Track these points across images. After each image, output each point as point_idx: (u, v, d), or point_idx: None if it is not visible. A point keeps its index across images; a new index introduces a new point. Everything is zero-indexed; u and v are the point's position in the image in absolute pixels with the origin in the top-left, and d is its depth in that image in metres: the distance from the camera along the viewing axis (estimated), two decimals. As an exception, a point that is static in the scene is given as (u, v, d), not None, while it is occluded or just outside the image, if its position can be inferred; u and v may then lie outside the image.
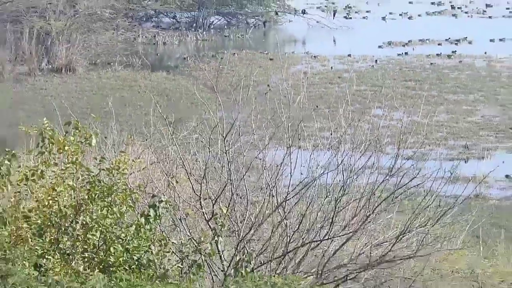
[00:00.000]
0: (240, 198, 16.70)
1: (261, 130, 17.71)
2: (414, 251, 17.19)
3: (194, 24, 46.74)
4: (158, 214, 14.36)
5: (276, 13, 49.11)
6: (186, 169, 16.90)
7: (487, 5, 52.30)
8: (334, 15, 50.11)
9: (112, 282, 13.02)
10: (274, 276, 14.75)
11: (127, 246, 13.97)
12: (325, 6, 50.98)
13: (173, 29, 46.59)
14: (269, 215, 16.73)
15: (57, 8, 41.55)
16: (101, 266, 13.87)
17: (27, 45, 40.64)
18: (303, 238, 16.84)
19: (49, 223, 14.21)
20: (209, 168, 16.80)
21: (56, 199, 14.24)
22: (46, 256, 13.53)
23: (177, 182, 16.74)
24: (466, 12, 51.12)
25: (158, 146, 18.07)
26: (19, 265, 12.44)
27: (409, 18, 50.05)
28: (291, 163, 17.31)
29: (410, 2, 52.79)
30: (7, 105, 34.87)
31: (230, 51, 44.12)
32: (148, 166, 16.84)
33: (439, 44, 44.64)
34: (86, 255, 14.13)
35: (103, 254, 14.14)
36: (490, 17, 50.41)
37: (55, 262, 13.39)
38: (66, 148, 14.43)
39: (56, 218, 14.25)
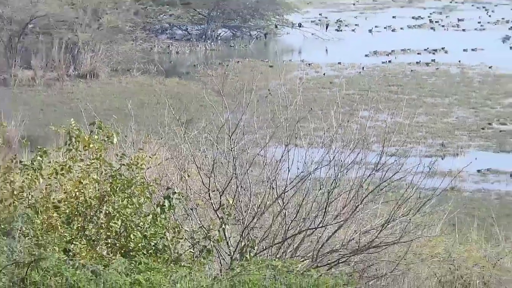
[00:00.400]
0: (244, 190, 16.73)
1: (263, 129, 17.72)
2: (397, 238, 17.19)
3: (204, 36, 46.55)
4: (172, 204, 14.48)
5: (276, 26, 48.99)
6: (196, 165, 16.90)
7: (459, 19, 52.09)
8: (326, 28, 50.05)
9: (132, 265, 13.00)
10: (274, 260, 14.74)
11: (145, 233, 14.00)
12: (319, 20, 50.78)
13: (185, 40, 46.27)
14: (270, 205, 16.74)
15: (83, 21, 41.36)
16: (122, 251, 13.83)
17: (56, 54, 40.48)
18: (300, 226, 16.89)
19: (76, 213, 14.25)
20: (216, 163, 16.79)
21: (82, 191, 14.27)
22: (74, 242, 13.51)
23: (188, 176, 16.75)
24: (442, 26, 50.93)
25: (172, 144, 18.04)
26: (50, 250, 12.41)
27: (393, 30, 49.82)
28: (289, 159, 17.35)
29: (393, 17, 52.58)
30: (38, 107, 34.85)
31: (234, 59, 44.24)
32: (163, 162, 16.81)
33: (418, 54, 44.53)
34: (109, 241, 14.17)
35: (124, 240, 14.16)
36: (463, 30, 50.14)
37: (81, 247, 13.38)
38: (91, 145, 14.52)
39: (82, 208, 14.29)
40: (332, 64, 43.37)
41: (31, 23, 41.02)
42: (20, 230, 12.55)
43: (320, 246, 16.72)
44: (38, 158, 14.46)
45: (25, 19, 41.09)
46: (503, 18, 53.04)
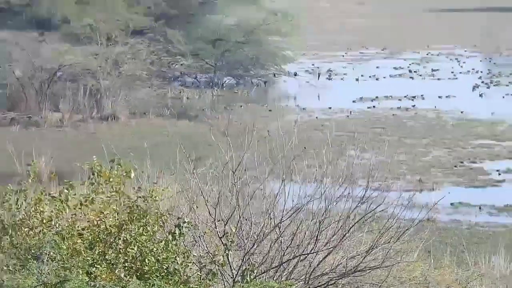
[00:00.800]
0: (246, 220, 16.76)
1: (262, 166, 17.73)
2: (380, 263, 17.18)
3: (211, 83, 46.61)
4: (182, 232, 14.49)
5: (274, 75, 48.87)
6: (204, 197, 16.90)
7: (434, 70, 52.09)
8: (318, 77, 49.93)
9: (147, 286, 13.04)
10: (271, 282, 14.77)
11: (158, 258, 14.00)
12: (312, 69, 50.75)
13: (194, 87, 46.29)
14: (268, 233, 16.74)
15: (105, 70, 41.28)
16: (138, 274, 13.81)
17: (81, 99, 40.50)
18: (294, 252, 16.89)
19: (98, 239, 14.22)
20: (221, 196, 16.81)
21: (103, 220, 14.27)
22: (95, 266, 13.49)
23: (197, 207, 16.77)
24: (420, 75, 50.85)
25: (182, 179, 18.04)
26: (74, 272, 12.39)
27: (377, 79, 49.59)
28: (285, 192, 17.37)
29: (377, 67, 52.48)
30: (65, 146, 34.84)
31: (238, 104, 44.22)
32: (174, 194, 16.82)
33: (399, 100, 44.38)
34: (126, 265, 14.15)
35: (139, 264, 14.16)
36: (438, 79, 50.08)
37: (102, 270, 13.33)
38: (111, 179, 14.52)
39: (103, 235, 14.26)
40: (323, 109, 43.16)
41: (59, 71, 40.96)
42: (48, 255, 12.54)
43: (311, 270, 16.77)
44: (65, 191, 14.49)
45: (54, 67, 41.11)
46: (473, 69, 52.97)
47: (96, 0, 46.75)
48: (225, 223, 16.39)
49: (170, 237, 14.25)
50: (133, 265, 13.78)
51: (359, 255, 17.13)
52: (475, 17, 69.54)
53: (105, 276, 12.86)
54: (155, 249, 14.05)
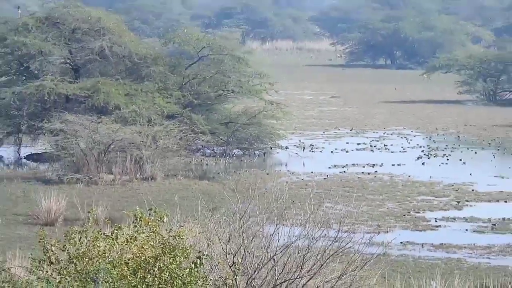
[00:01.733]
0: (249, 253, 16.69)
1: (261, 214, 17.74)
2: (348, 286, 17.14)
3: (224, 154, 46.55)
4: (201, 262, 14.45)
5: (271, 148, 48.88)
6: (218, 236, 16.86)
7: (388, 145, 52.09)
8: (303, 150, 49.83)
9: None
10: None
11: (184, 281, 13.91)
12: (298, 144, 50.60)
13: (212, 156, 46.32)
14: (265, 263, 16.68)
15: (146, 144, 41.32)
16: None
17: (128, 165, 40.37)
18: (285, 277, 16.83)
19: (139, 267, 14.17)
20: (231, 235, 16.78)
21: (143, 253, 14.19)
22: (138, 287, 13.47)
23: (213, 244, 16.68)
24: (378, 149, 50.68)
25: (202, 223, 17.98)
26: None
27: (346, 152, 49.37)
28: (278, 233, 17.33)
29: (346, 143, 52.77)
30: (116, 199, 34.89)
31: (244, 169, 44.03)
32: (196, 234, 16.69)
33: (363, 167, 44.32)
34: (160, 287, 14.07)
35: (170, 286, 14.03)
36: (392, 151, 49.96)
37: None
38: (149, 223, 14.47)
39: (143, 264, 14.19)
40: (307, 173, 42.88)
41: (112, 144, 41.01)
42: (102, 278, 12.45)
43: None
44: (115, 231, 14.45)
45: (108, 141, 41.24)
46: (417, 144, 52.92)
47: (139, 93, 46.71)
48: (233, 255, 16.36)
49: (193, 265, 14.22)
50: (165, 286, 13.70)
51: (333, 279, 17.11)
52: (420, 107, 69.57)
53: None
54: (181, 274, 14.01)
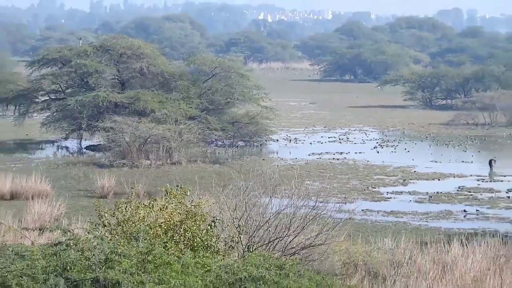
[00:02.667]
0: (250, 218, 16.63)
1: (259, 189, 17.66)
2: (323, 242, 17.01)
3: (232, 145, 46.46)
4: (215, 225, 14.31)
5: (265, 141, 48.69)
6: (227, 206, 16.75)
7: (352, 138, 52.02)
8: (290, 142, 49.65)
9: (196, 254, 12.90)
10: (264, 252, 14.57)
11: (202, 239, 13.84)
12: (286, 138, 50.41)
13: (222, 147, 46.30)
14: (262, 225, 16.60)
15: (174, 137, 41.44)
16: (191, 248, 13.69)
17: (161, 153, 40.62)
18: (276, 235, 16.71)
19: (169, 229, 14.05)
20: (237, 205, 16.68)
21: (172, 218, 14.10)
22: (167, 243, 13.39)
23: (223, 211, 16.63)
24: (345, 141, 50.65)
25: (216, 196, 17.90)
26: (156, 246, 12.10)
27: (321, 143, 49.09)
28: (272, 203, 17.22)
29: (321, 137, 52.19)
30: (152, 178, 34.47)
31: (246, 157, 43.64)
32: (211, 204, 16.59)
33: (333, 154, 43.98)
34: (185, 243, 14.00)
35: (192, 243, 13.92)
36: (355, 143, 50.02)
37: (171, 246, 13.26)
38: (176, 196, 14.32)
39: (172, 226, 14.10)
40: (293, 159, 42.54)
41: (149, 138, 40.90)
42: (142, 237, 12.31)
43: (286, 245, 16.61)
44: (151, 202, 14.36)
45: (146, 136, 41.20)
46: (373, 138, 52.69)
47: (169, 100, 46.69)
48: (238, 220, 16.26)
49: (208, 227, 14.17)
50: (188, 243, 13.64)
51: (311, 237, 17.00)
52: (375, 110, 69.33)
53: (173, 249, 12.89)
54: (200, 234, 13.94)
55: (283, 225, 16.95)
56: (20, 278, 8.25)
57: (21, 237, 12.03)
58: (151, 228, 13.61)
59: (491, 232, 24.93)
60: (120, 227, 13.96)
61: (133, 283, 8.99)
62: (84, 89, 48.17)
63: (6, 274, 7.96)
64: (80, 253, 9.88)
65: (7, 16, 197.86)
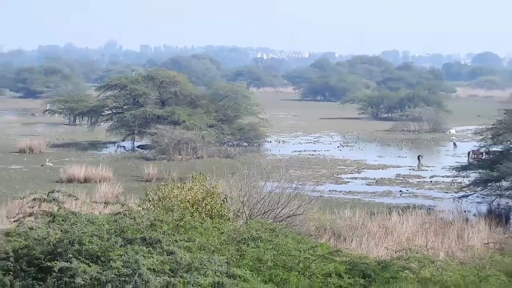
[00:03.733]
0: (251, 195, 16.61)
1: (257, 176, 17.63)
2: (302, 212, 16.93)
3: (238, 145, 46.59)
4: (226, 200, 14.20)
5: (262, 142, 48.30)
6: (235, 187, 16.70)
7: (322, 140, 51.63)
8: (279, 143, 49.52)
9: (214, 222, 12.07)
10: (261, 219, 14.52)
11: (217, 209, 13.87)
12: (276, 140, 50.14)
13: (231, 146, 45.70)
14: (259, 201, 16.56)
15: (199, 139, 40.78)
16: (209, 216, 13.16)
17: (189, 150, 39.94)
18: (270, 208, 16.63)
19: (194, 203, 14.05)
20: (242, 187, 16.61)
21: (196, 195, 14.01)
22: (193, 213, 13.07)
23: (232, 191, 16.59)
24: (317, 142, 50.25)
25: (227, 180, 17.82)
26: (186, 215, 11.88)
27: (301, 144, 48.55)
28: (266, 185, 17.19)
29: (301, 139, 51.50)
30: (182, 168, 33.60)
31: (248, 153, 43.28)
32: (224, 186, 16.52)
33: (309, 151, 43.52)
34: (206, 213, 13.83)
35: (210, 213, 13.78)
36: (324, 143, 49.71)
37: (197, 216, 12.77)
38: (200, 180, 14.47)
39: (196, 201, 14.03)
40: (281, 154, 42.15)
41: (181, 140, 40.86)
42: (176, 209, 12.12)
43: (276, 215, 16.54)
44: (182, 184, 14.30)
45: (179, 138, 41.04)
46: (337, 140, 52.59)
47: (195, 114, 46.90)
48: (243, 197, 16.18)
49: (222, 202, 14.11)
50: (208, 213, 13.59)
51: (293, 209, 16.95)
52: (338, 121, 69.02)
53: (197, 218, 12.68)
54: (216, 207, 13.85)
55: (274, 201, 16.86)
56: (91, 237, 8.23)
57: (91, 209, 11.93)
58: (182, 203, 13.54)
59: (419, 206, 25.07)
60: (160, 202, 13.93)
61: (170, 241, 8.96)
62: (136, 106, 48.02)
63: (82, 234, 7.96)
64: (133, 220, 9.87)
65: (83, 55, 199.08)
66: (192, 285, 6.55)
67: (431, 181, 33.05)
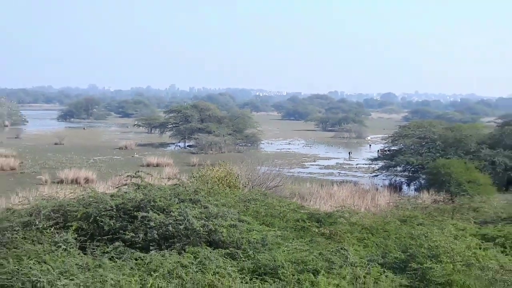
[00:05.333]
0: (253, 175, 16.18)
1: (256, 163, 17.25)
2: (282, 184, 16.69)
3: (245, 145, 44.10)
4: (238, 177, 13.90)
5: (258, 144, 46.08)
6: (243, 170, 16.39)
7: (294, 143, 48.74)
8: (270, 144, 46.99)
9: (231, 190, 11.23)
10: (257, 188, 14.19)
11: (234, 182, 13.56)
12: (268, 142, 47.88)
13: (241, 146, 43.57)
14: (257, 178, 16.13)
15: (223, 141, 40.13)
16: (228, 186, 12.81)
17: (217, 148, 38.70)
18: (264, 183, 16.24)
19: (220, 179, 13.50)
20: (248, 170, 16.38)
21: (220, 174, 13.53)
22: (219, 185, 12.39)
23: (241, 172, 16.21)
24: (291, 144, 48.14)
25: (239, 166, 17.38)
26: (214, 186, 11.44)
27: (281, 144, 46.84)
28: (261, 169, 16.83)
29: (281, 142, 49.03)
30: (214, 159, 31.65)
31: (251, 150, 41.57)
32: (236, 170, 16.17)
33: (286, 150, 41.84)
34: (226, 184, 13.39)
35: (229, 185, 13.32)
36: (294, 145, 47.60)
37: (220, 186, 11.79)
38: (223, 166, 13.83)
39: (221, 178, 13.56)
40: (270, 151, 40.79)
41: (212, 142, 39.28)
42: (209, 182, 11.79)
43: (267, 185, 16.02)
44: (211, 168, 13.94)
45: (211, 141, 39.54)
46: (302, 143, 50.30)
47: (220, 127, 44.79)
48: (248, 176, 15.85)
49: (235, 178, 13.81)
50: (227, 184, 13.37)
51: (278, 182, 16.66)
52: (304, 132, 68.00)
53: (221, 187, 12.44)
54: (232, 181, 13.65)
55: (266, 177, 16.75)
56: (160, 198, 8.25)
57: (160, 182, 11.90)
58: (212, 179, 13.58)
59: (349, 181, 25.07)
60: (200, 178, 13.93)
61: (205, 200, 8.92)
62: (186, 122, 47.05)
63: (154, 196, 8.00)
64: (184, 188, 9.87)
65: (156, 92, 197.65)
66: (218, 226, 6.78)
67: (356, 167, 32.63)
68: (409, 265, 5.58)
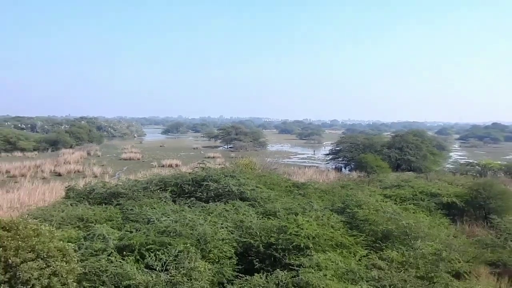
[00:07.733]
0: (261, 166, 16.15)
1: (264, 157, 16.83)
2: (277, 168, 17.07)
3: (255, 148, 41.91)
4: (252, 167, 13.08)
5: (266, 147, 44.04)
6: (258, 161, 16.12)
7: (285, 146, 45.70)
8: (272, 146, 44.62)
9: (250, 172, 10.88)
10: (265, 171, 14.49)
11: (252, 167, 13.75)
12: (271, 146, 45.49)
13: (255, 147, 41.85)
14: (264, 165, 16.44)
15: (244, 136, 39.92)
16: (250, 169, 13.31)
17: (244, 149, 37.81)
18: (268, 168, 15.92)
19: (246, 165, 13.53)
20: (258, 164, 15.97)
21: (247, 163, 13.75)
22: (246, 169, 12.42)
23: (255, 164, 16.02)
24: (283, 147, 45.28)
25: (255, 159, 17.17)
26: (244, 170, 11.21)
27: (278, 147, 43.98)
28: (267, 160, 16.72)
29: (278, 147, 45.95)
30: (242, 155, 30.12)
31: (260, 151, 38.69)
32: (253, 161, 15.94)
33: (280, 149, 39.85)
34: (248, 168, 13.27)
35: (250, 168, 13.52)
36: (285, 147, 44.43)
37: (247, 169, 11.51)
38: (247, 158, 13.91)
39: (247, 165, 13.76)
40: (272, 151, 38.91)
41: (242, 146, 38.23)
42: (240, 168, 11.25)
43: (269, 168, 16.63)
44: (242, 159, 13.65)
45: (241, 145, 38.37)
46: (288, 146, 46.87)
47: (246, 137, 44.48)
48: (260, 163, 16.26)
49: (250, 170, 13.44)
50: (250, 169, 13.29)
51: (275, 167, 17.19)
52: (292, 140, 62.66)
53: (246, 169, 12.21)
54: (252, 165, 14.27)
55: (270, 165, 17.79)
56: (214, 175, 9.32)
57: (215, 166, 12.34)
58: (241, 164, 14.45)
59: (314, 166, 25.01)
60: (235, 164, 14.62)
61: (239, 175, 9.10)
62: (228, 135, 47.98)
63: (212, 174, 9.12)
64: (227, 169, 10.36)
65: (211, 119, 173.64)
66: (244, 189, 8.03)
67: (317, 158, 31.07)
68: (346, 210, 7.84)
